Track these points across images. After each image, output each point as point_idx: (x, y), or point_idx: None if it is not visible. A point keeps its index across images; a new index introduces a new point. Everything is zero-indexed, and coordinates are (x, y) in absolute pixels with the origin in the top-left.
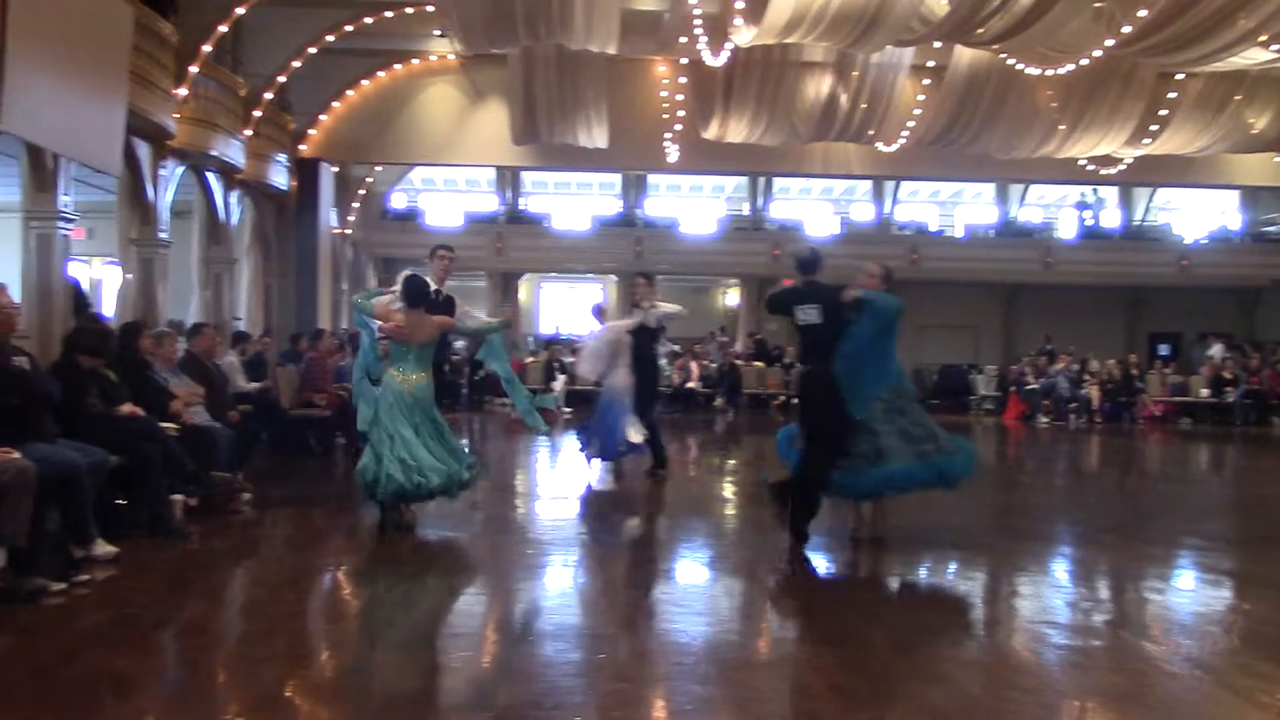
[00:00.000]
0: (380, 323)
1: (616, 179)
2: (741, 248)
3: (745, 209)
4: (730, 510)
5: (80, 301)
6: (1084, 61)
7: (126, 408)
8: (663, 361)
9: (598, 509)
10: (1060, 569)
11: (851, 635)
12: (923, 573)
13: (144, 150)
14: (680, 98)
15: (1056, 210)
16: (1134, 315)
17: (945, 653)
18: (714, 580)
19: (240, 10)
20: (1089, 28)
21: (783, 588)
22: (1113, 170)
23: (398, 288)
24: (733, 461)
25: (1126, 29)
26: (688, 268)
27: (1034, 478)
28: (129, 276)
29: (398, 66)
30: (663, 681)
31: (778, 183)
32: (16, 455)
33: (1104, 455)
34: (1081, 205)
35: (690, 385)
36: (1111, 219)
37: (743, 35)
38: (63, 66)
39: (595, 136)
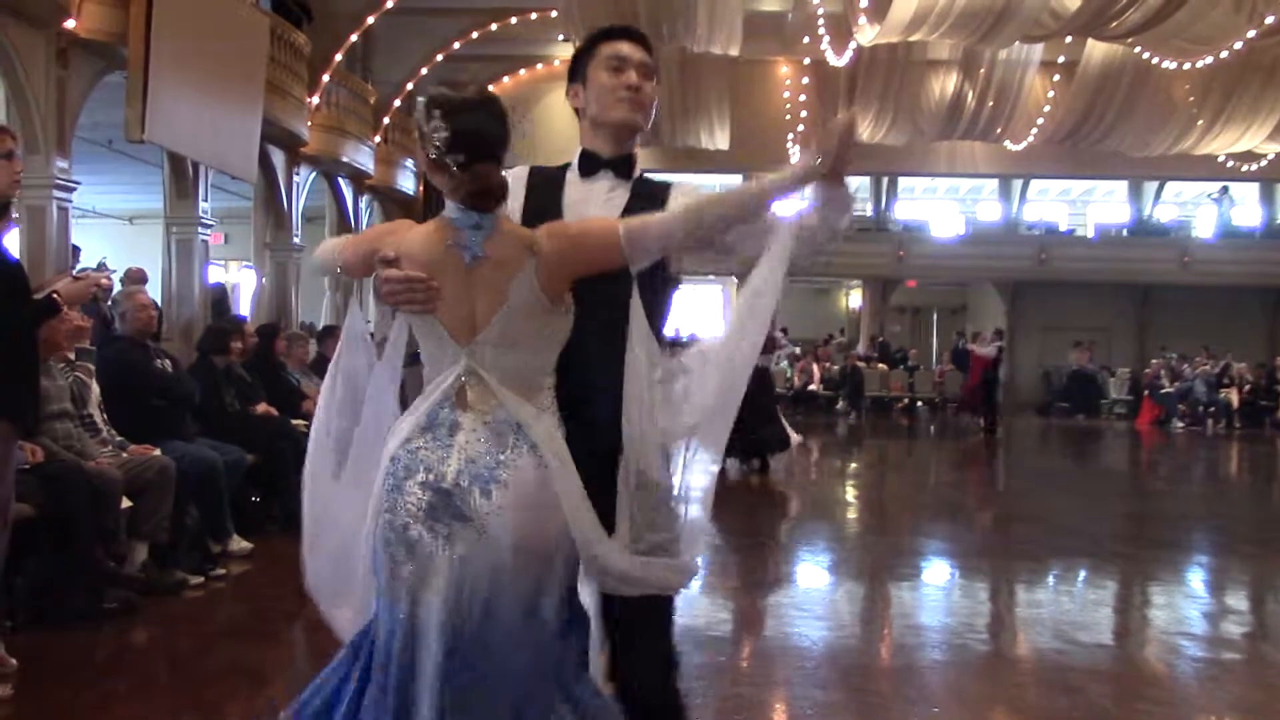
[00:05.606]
0: None
1: (738, 181)
2: (864, 249)
3: (868, 209)
4: (852, 514)
5: (221, 305)
6: (1224, 54)
7: (261, 407)
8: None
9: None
10: (1196, 579)
11: (976, 642)
12: (1051, 580)
13: (278, 157)
14: (803, 98)
15: (1194, 208)
16: (1276, 317)
17: (1075, 663)
18: (835, 584)
19: (371, 19)
20: (1229, 18)
21: (904, 593)
22: (1254, 166)
23: None
24: (854, 465)
25: (1270, 19)
26: (808, 269)
27: (1168, 484)
28: (264, 280)
29: (522, 72)
30: (783, 685)
31: (902, 182)
32: (158, 453)
33: (1242, 462)
34: (1220, 202)
35: (812, 387)
36: (1251, 217)
37: (866, 34)
38: (202, 78)
39: (717, 138)
